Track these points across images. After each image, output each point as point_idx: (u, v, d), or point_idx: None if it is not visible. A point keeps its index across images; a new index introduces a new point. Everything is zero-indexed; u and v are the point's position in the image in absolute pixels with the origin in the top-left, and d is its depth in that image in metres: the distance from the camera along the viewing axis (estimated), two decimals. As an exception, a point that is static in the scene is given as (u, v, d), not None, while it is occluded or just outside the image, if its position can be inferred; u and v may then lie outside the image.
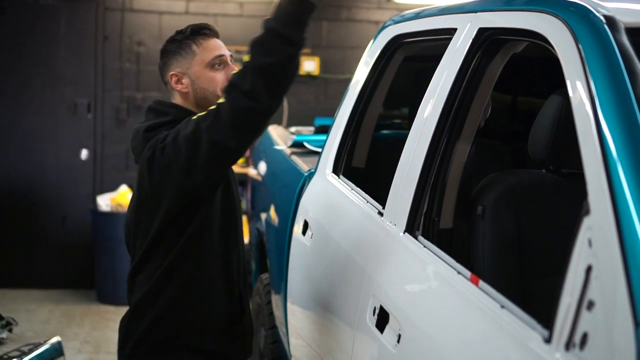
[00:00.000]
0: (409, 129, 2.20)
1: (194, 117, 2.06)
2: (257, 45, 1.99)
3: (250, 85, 1.95)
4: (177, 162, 2.03)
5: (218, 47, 2.25)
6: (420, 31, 2.54)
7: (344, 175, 2.74)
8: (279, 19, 1.99)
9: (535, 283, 1.94)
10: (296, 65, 2.03)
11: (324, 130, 3.40)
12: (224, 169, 2.14)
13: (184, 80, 2.23)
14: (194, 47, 2.23)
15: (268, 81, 1.97)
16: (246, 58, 2.01)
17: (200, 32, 2.25)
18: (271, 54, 1.96)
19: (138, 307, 2.19)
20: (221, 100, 2.01)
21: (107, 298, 5.89)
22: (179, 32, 2.27)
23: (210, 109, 2.03)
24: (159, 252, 2.17)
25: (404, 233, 2.01)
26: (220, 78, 2.22)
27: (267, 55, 1.96)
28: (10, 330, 4.34)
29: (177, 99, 2.26)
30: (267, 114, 2.01)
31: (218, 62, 2.23)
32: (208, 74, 2.22)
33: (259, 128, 2.06)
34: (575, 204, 1.46)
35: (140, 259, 2.21)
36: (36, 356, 2.71)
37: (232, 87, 2.00)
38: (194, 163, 2.01)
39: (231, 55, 2.28)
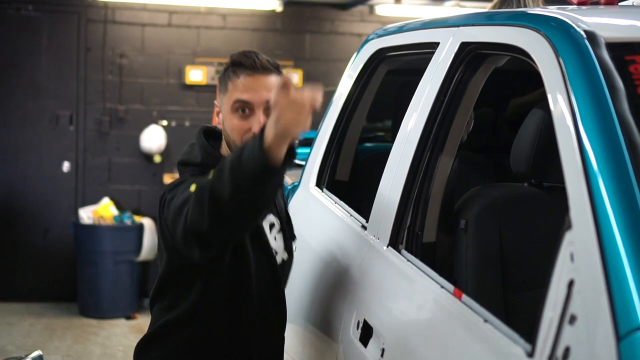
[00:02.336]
0: (392, 142, 2.21)
1: (192, 187, 1.75)
2: (237, 163, 1.59)
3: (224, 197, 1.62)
4: (168, 228, 1.82)
5: (247, 88, 1.90)
6: (403, 45, 2.56)
7: (328, 189, 2.74)
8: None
9: (518, 296, 1.94)
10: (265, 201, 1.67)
11: (308, 143, 3.40)
12: (212, 250, 1.80)
13: (219, 116, 1.99)
14: (229, 82, 1.94)
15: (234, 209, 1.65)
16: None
17: (237, 64, 1.94)
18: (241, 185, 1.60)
19: (147, 341, 2.02)
20: (210, 177, 1.69)
21: (89, 311, 5.85)
22: (230, 60, 1.98)
23: (202, 185, 1.68)
24: (168, 293, 1.98)
25: (387, 247, 2.01)
26: (242, 127, 1.90)
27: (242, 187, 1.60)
28: (-10, 345, 4.31)
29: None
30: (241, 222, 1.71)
31: (241, 107, 1.91)
32: (230, 119, 1.93)
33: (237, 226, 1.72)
34: (556, 218, 1.46)
35: (155, 289, 2.01)
36: (17, 371, 2.69)
37: (209, 188, 1.65)
38: (175, 239, 1.79)
39: (268, 101, 1.87)
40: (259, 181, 1.57)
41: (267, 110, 1.89)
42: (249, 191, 1.58)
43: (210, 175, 1.67)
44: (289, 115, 1.52)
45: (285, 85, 1.53)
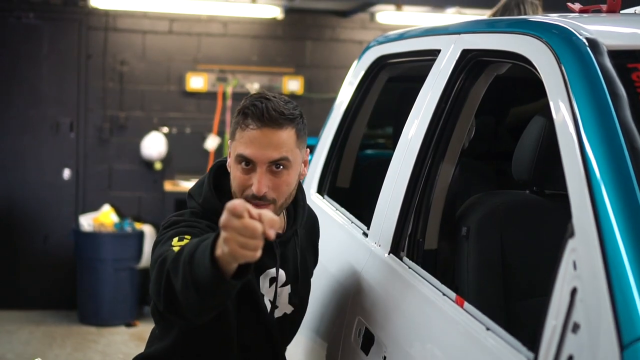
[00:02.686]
0: (393, 149, 2.21)
1: (174, 241, 1.69)
2: (189, 259, 1.51)
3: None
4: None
5: (251, 142, 1.75)
6: (404, 52, 2.56)
7: (329, 195, 2.74)
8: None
9: (520, 304, 1.94)
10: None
11: (309, 149, 3.39)
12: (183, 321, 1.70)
13: (229, 160, 1.85)
14: (237, 130, 1.79)
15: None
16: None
17: (246, 112, 1.77)
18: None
19: None
20: (175, 248, 1.66)
21: (89, 319, 5.83)
22: (245, 99, 1.84)
23: (165, 259, 1.62)
24: (159, 321, 1.92)
25: (388, 254, 2.00)
26: (243, 181, 1.77)
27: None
28: (-10, 352, 4.29)
29: None
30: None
31: (244, 161, 1.77)
32: (234, 170, 1.80)
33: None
34: (558, 225, 1.46)
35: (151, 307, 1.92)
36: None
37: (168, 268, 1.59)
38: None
39: (280, 160, 1.75)
40: (205, 287, 1.47)
41: (271, 167, 1.77)
42: (196, 292, 1.49)
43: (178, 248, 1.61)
44: (239, 240, 1.37)
45: (235, 213, 1.36)
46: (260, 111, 1.74)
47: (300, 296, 1.98)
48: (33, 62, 6.05)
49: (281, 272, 1.92)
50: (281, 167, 1.77)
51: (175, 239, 1.70)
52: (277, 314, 1.95)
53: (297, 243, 2.00)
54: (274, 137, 1.75)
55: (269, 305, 1.91)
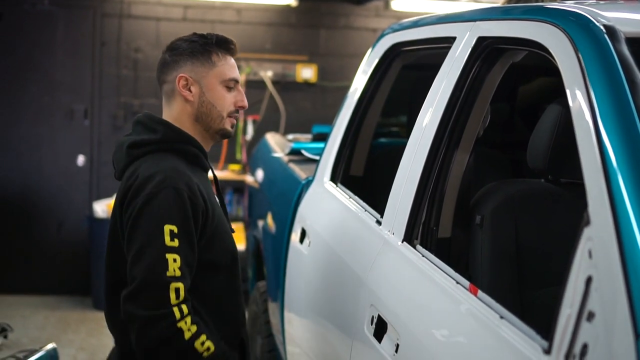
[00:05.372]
0: (407, 137, 2.20)
1: (166, 237, 1.88)
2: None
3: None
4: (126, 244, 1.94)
5: (236, 68, 2.13)
6: (418, 39, 2.54)
7: (342, 184, 2.74)
8: None
9: (534, 293, 1.93)
10: None
11: (322, 137, 3.39)
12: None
13: (193, 88, 2.06)
14: (215, 57, 2.08)
15: None
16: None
17: (226, 45, 2.11)
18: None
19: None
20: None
21: (103, 305, 5.85)
22: (201, 36, 2.12)
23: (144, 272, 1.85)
24: None
25: (402, 242, 2.00)
26: (229, 100, 2.09)
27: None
28: (5, 337, 4.31)
29: (173, 109, 2.09)
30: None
31: (233, 85, 2.10)
32: (221, 91, 2.08)
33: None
34: (574, 214, 1.45)
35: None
36: (31, 363, 2.70)
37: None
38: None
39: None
40: None
41: None
42: None
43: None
44: None
45: None
46: (232, 43, 2.12)
47: None
48: (47, 49, 6.07)
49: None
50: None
51: (167, 228, 1.88)
52: None
53: None
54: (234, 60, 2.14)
55: None
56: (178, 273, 1.85)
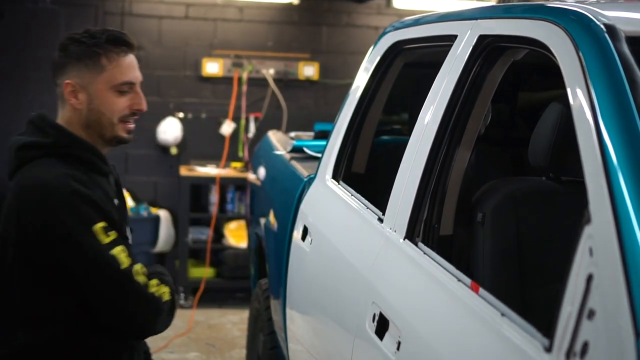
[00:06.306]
0: (409, 135, 2.21)
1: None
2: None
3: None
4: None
5: (132, 68, 1.96)
6: (420, 37, 2.55)
7: (344, 181, 2.74)
8: None
9: (535, 290, 1.94)
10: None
11: (324, 135, 3.40)
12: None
13: (80, 96, 1.94)
14: (104, 60, 1.93)
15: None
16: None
17: (117, 43, 1.94)
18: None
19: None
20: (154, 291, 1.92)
21: None
22: (90, 35, 1.94)
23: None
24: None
25: (404, 239, 2.01)
26: (122, 105, 1.95)
27: None
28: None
29: (65, 113, 1.99)
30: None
31: (127, 89, 1.96)
32: (111, 98, 1.94)
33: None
34: (575, 212, 1.46)
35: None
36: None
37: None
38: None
39: (142, 82, 2.01)
40: None
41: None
42: None
43: None
44: None
45: None
46: (126, 40, 1.93)
47: None
48: (49, 47, 6.05)
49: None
50: (141, 84, 1.99)
51: (106, 238, 1.85)
52: None
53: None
54: (135, 59, 1.98)
55: None
56: (129, 260, 1.88)
